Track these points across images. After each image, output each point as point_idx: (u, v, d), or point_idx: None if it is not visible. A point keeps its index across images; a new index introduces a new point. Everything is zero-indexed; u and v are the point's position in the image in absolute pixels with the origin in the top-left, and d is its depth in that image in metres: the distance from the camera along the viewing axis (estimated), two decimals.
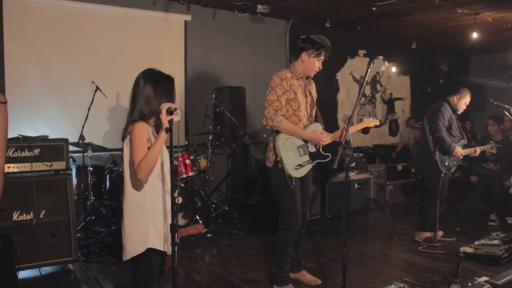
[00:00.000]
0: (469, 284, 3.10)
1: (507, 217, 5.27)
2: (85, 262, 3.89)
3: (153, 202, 2.13)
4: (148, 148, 2.05)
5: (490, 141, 5.07)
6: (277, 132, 3.12)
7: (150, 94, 2.10)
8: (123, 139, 2.15)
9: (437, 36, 7.74)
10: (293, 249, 3.31)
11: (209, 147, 5.17)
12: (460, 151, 4.28)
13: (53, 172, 3.60)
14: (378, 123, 3.45)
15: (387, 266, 3.89)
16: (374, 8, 5.72)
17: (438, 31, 7.34)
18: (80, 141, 4.30)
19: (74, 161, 4.47)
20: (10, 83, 4.59)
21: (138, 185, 2.11)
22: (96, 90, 4.51)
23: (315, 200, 5.36)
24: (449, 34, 7.53)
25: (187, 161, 4.68)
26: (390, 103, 8.71)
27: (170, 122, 2.01)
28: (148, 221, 2.10)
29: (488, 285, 2.46)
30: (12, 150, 3.38)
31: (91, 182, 4.42)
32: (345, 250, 2.67)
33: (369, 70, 2.72)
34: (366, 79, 2.78)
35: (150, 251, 2.10)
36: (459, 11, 5.95)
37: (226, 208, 5.34)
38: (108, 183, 4.44)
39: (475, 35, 6.70)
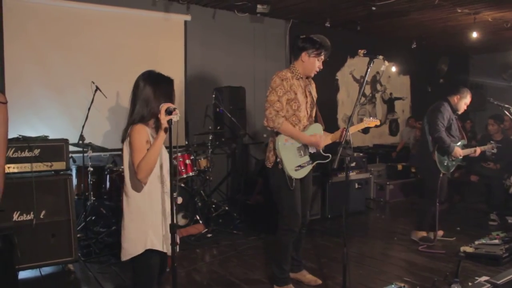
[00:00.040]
0: (470, 283, 3.10)
1: (507, 217, 5.27)
2: (85, 262, 3.89)
3: (153, 203, 2.15)
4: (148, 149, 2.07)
5: (491, 141, 5.06)
6: (277, 133, 3.10)
7: (149, 96, 2.11)
8: (122, 141, 2.17)
9: (437, 36, 7.74)
10: (293, 249, 3.30)
11: (209, 147, 5.16)
12: (459, 151, 4.27)
13: (53, 172, 3.60)
14: (378, 123, 3.45)
15: (387, 266, 3.88)
16: (374, 8, 5.73)
17: (438, 31, 7.33)
18: (80, 141, 4.30)
19: (74, 161, 4.47)
20: (10, 83, 4.59)
21: (138, 186, 2.13)
22: (96, 90, 4.52)
23: (315, 200, 5.36)
24: (449, 33, 7.53)
25: (187, 161, 4.68)
26: (390, 102, 8.71)
27: (169, 122, 2.02)
28: (147, 222, 2.12)
29: (489, 285, 2.46)
30: (12, 151, 3.38)
31: (91, 182, 4.42)
32: (345, 250, 2.67)
33: (369, 70, 2.72)
34: (366, 78, 2.77)
35: (150, 252, 2.11)
36: (459, 10, 5.95)
37: (226, 208, 5.34)
38: (108, 183, 4.44)
39: (475, 34, 6.70)
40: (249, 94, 6.04)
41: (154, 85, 2.13)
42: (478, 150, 4.50)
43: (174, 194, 2.10)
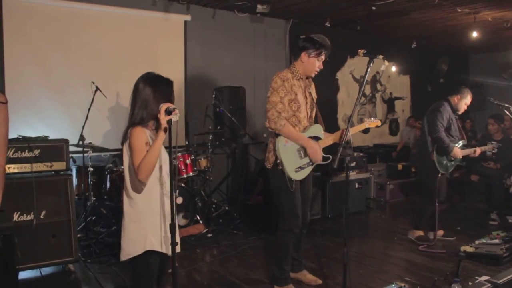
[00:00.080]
0: (470, 283, 3.10)
1: (508, 216, 5.27)
2: (85, 263, 3.89)
3: (152, 204, 2.17)
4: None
5: (492, 142, 5.06)
6: (277, 134, 3.08)
7: (149, 98, 2.13)
8: (122, 143, 2.19)
9: (437, 35, 7.74)
10: (293, 249, 3.29)
11: (209, 147, 5.17)
12: (458, 151, 4.26)
13: (53, 172, 3.60)
14: (379, 123, 3.43)
15: (387, 266, 3.88)
16: (374, 8, 5.73)
17: (438, 30, 7.33)
18: (80, 142, 4.30)
19: (74, 161, 4.47)
20: (10, 83, 4.59)
21: (138, 188, 2.15)
22: (96, 91, 4.51)
23: (316, 199, 5.35)
24: (449, 33, 7.53)
25: (188, 161, 4.68)
26: (390, 102, 8.71)
27: (169, 122, 2.04)
28: (147, 223, 2.14)
29: (489, 284, 2.46)
30: (12, 151, 3.37)
31: (92, 182, 4.42)
32: (345, 249, 2.67)
33: (369, 70, 2.71)
34: (366, 78, 2.77)
35: (149, 252, 2.13)
36: (459, 10, 5.95)
37: (227, 208, 5.34)
38: (108, 184, 4.44)
39: (475, 34, 6.69)
40: (249, 94, 6.04)
41: (153, 87, 2.15)
42: (478, 150, 4.50)
43: (175, 194, 2.10)
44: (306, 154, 3.14)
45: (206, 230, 4.68)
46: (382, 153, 7.76)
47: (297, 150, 3.12)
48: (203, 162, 4.96)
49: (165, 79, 2.22)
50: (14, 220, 3.35)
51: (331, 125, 6.80)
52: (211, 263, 3.94)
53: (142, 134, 2.10)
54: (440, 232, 4.61)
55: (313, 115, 3.30)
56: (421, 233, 4.53)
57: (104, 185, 4.49)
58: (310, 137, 3.17)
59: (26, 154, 3.44)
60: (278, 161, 3.07)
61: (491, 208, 5.46)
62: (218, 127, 5.57)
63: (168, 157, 2.21)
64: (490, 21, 6.47)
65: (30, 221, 3.40)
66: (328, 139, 3.22)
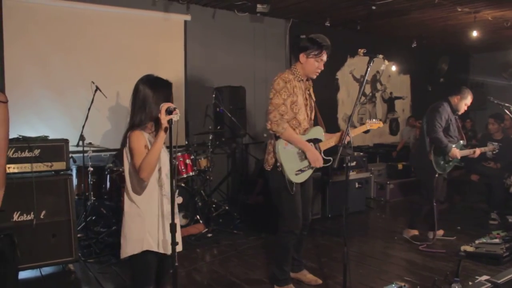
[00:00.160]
0: (470, 283, 3.09)
1: (508, 216, 5.27)
2: (85, 262, 3.89)
3: (151, 205, 2.21)
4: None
5: (493, 143, 5.06)
6: (277, 136, 3.05)
7: (148, 99, 2.16)
8: (122, 146, 2.24)
9: (437, 35, 7.73)
10: (294, 250, 3.29)
11: (209, 146, 5.16)
12: (456, 152, 4.26)
13: (53, 172, 3.59)
14: (381, 125, 3.42)
15: (388, 265, 3.88)
16: (374, 7, 5.73)
17: (438, 30, 7.33)
18: (80, 142, 4.30)
19: (74, 161, 4.47)
20: (11, 84, 4.59)
21: (137, 190, 2.20)
22: (96, 90, 4.52)
23: (316, 199, 5.35)
24: (449, 32, 7.53)
25: (188, 161, 4.68)
26: (390, 102, 8.71)
27: (170, 121, 2.06)
28: (145, 224, 2.18)
29: (489, 284, 2.45)
30: (12, 151, 3.37)
31: (92, 182, 4.42)
32: (345, 249, 2.67)
33: (369, 69, 2.71)
34: (366, 78, 2.76)
35: (147, 252, 2.17)
36: (459, 9, 5.94)
37: (227, 207, 5.34)
38: (108, 184, 4.44)
39: (475, 33, 6.69)
40: (249, 94, 6.04)
41: (152, 89, 2.18)
42: (478, 151, 4.49)
43: (176, 194, 2.12)
44: (306, 157, 3.12)
45: (206, 230, 4.68)
46: (382, 153, 7.76)
47: (297, 153, 3.09)
48: (203, 162, 4.96)
49: (164, 81, 2.25)
50: (14, 220, 3.35)
51: (331, 125, 6.79)
52: (211, 263, 3.94)
53: (140, 138, 2.14)
54: (440, 232, 4.61)
55: (312, 117, 3.28)
56: (416, 232, 4.53)
57: (104, 185, 4.49)
58: (311, 139, 3.15)
59: (26, 154, 3.44)
60: (278, 163, 3.04)
61: (491, 208, 5.45)
62: (218, 127, 5.57)
63: (168, 158, 2.24)
64: (490, 21, 6.47)
65: (30, 221, 3.40)
66: (330, 141, 3.19)
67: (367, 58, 2.69)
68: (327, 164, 3.17)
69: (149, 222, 2.18)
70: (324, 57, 3.12)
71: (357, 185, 5.88)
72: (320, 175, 5.42)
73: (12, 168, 3.37)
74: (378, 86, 8.47)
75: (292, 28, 6.82)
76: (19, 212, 3.38)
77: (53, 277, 3.66)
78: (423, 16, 6.49)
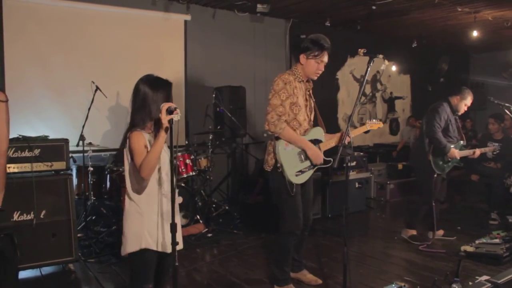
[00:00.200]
0: (470, 283, 3.09)
1: (508, 216, 5.27)
2: (85, 262, 3.89)
3: (151, 204, 2.23)
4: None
5: (493, 143, 5.05)
6: (277, 137, 3.04)
7: (148, 99, 2.17)
8: (122, 146, 2.26)
9: (437, 35, 7.73)
10: (294, 250, 3.28)
11: (210, 146, 5.16)
12: (455, 152, 4.25)
13: (53, 172, 3.60)
14: (381, 125, 3.41)
15: (388, 265, 3.88)
16: (374, 7, 5.73)
17: (438, 30, 7.33)
18: (80, 141, 4.30)
19: (74, 161, 4.47)
20: (11, 83, 4.59)
21: (137, 189, 2.22)
22: (96, 90, 4.51)
23: (316, 199, 5.35)
24: (449, 32, 7.53)
25: (188, 161, 4.67)
26: (390, 102, 8.70)
27: (170, 121, 2.07)
28: (144, 222, 2.20)
29: (489, 284, 2.45)
30: (13, 151, 3.37)
31: (92, 182, 4.42)
32: (345, 249, 2.67)
33: (369, 69, 2.71)
34: (366, 78, 2.76)
35: (145, 250, 2.19)
36: (459, 9, 5.94)
37: (227, 207, 5.34)
38: (108, 183, 4.44)
39: (475, 33, 6.69)
40: (249, 94, 6.04)
41: (152, 88, 2.19)
42: (478, 151, 4.48)
43: (176, 194, 2.13)
44: (306, 158, 3.11)
45: (206, 229, 4.68)
46: (382, 153, 7.76)
47: (297, 153, 3.08)
48: (203, 162, 4.96)
49: (164, 81, 2.26)
50: (14, 219, 3.35)
51: (331, 125, 6.79)
52: (211, 263, 3.94)
53: (140, 138, 2.15)
54: (440, 232, 4.60)
55: (312, 117, 3.27)
56: (414, 232, 4.53)
57: (104, 184, 4.49)
58: (311, 140, 3.14)
59: (26, 153, 3.44)
60: (278, 164, 3.03)
61: (491, 208, 5.45)
62: (218, 127, 5.57)
63: (168, 157, 2.26)
64: (490, 20, 6.47)
65: (30, 220, 3.40)
66: (330, 142, 3.19)
67: (367, 58, 2.69)
68: (328, 165, 3.16)
69: (148, 221, 2.20)
70: (325, 58, 3.10)
71: (357, 185, 5.88)
72: (320, 175, 5.42)
73: (12, 168, 3.37)
74: (378, 86, 8.46)
75: (292, 28, 6.82)
76: (19, 212, 3.38)
77: (53, 276, 3.67)
78: (423, 16, 6.49)
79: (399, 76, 8.78)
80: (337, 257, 3.99)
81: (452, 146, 4.27)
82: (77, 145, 4.30)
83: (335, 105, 7.74)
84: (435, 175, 4.28)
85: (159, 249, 2.20)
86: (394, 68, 8.38)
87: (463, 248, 3.94)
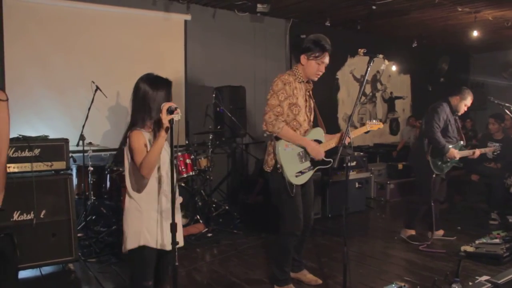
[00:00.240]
0: (470, 283, 3.09)
1: (508, 216, 5.27)
2: (85, 262, 3.89)
3: (150, 202, 2.24)
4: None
5: (494, 143, 5.05)
6: (277, 138, 3.03)
7: (148, 98, 2.18)
8: (122, 145, 2.27)
9: (437, 35, 7.73)
10: (295, 250, 3.28)
11: (210, 146, 5.16)
12: (454, 152, 4.24)
13: (53, 172, 3.59)
14: (381, 126, 3.41)
15: (387, 265, 3.88)
16: (374, 7, 5.73)
17: (439, 30, 7.33)
18: (80, 141, 4.30)
19: (74, 161, 4.47)
20: (11, 83, 4.59)
21: (137, 188, 2.24)
22: (96, 90, 4.51)
23: (316, 199, 5.34)
24: (449, 32, 7.53)
25: (188, 161, 4.67)
26: (390, 102, 8.70)
27: (171, 121, 2.07)
28: (143, 220, 2.22)
29: (489, 284, 2.45)
30: (13, 150, 3.37)
31: (92, 182, 4.42)
32: (345, 249, 2.67)
33: (369, 69, 2.71)
34: (366, 78, 2.76)
35: (143, 246, 2.21)
36: (460, 9, 5.94)
37: (227, 207, 5.34)
38: (108, 183, 4.44)
39: (475, 33, 6.69)
40: (249, 94, 6.04)
41: (152, 87, 2.19)
42: (478, 152, 4.47)
43: (176, 193, 2.14)
44: (306, 158, 3.11)
45: (206, 229, 4.68)
46: (382, 153, 7.76)
47: (297, 154, 3.08)
48: (203, 162, 4.95)
49: (164, 80, 2.26)
50: (14, 219, 3.35)
51: (331, 125, 6.79)
52: (211, 263, 3.94)
53: (140, 137, 2.16)
54: (440, 232, 4.60)
55: (312, 118, 3.26)
56: (413, 232, 4.52)
57: (104, 184, 4.48)
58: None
59: (26, 153, 3.44)
60: (278, 165, 3.03)
61: (491, 208, 5.45)
62: (218, 127, 5.57)
63: (168, 156, 2.26)
64: (490, 20, 6.47)
65: (30, 220, 3.40)
66: (330, 143, 3.18)
67: (367, 58, 2.68)
68: (328, 166, 3.16)
69: (147, 218, 2.21)
70: (326, 59, 3.09)
71: (357, 185, 5.88)
72: (320, 175, 5.42)
73: (12, 168, 3.37)
74: (378, 86, 8.46)
75: (292, 28, 6.82)
76: (19, 212, 3.37)
77: (53, 276, 3.66)
78: (423, 16, 6.49)
79: (399, 76, 8.78)
80: (337, 257, 3.99)
81: (451, 146, 4.27)
82: (77, 145, 4.30)
83: (335, 105, 7.74)
84: (434, 175, 4.27)
85: (158, 247, 2.22)
86: (394, 68, 8.38)
87: (463, 248, 3.94)
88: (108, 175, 4.43)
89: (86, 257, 3.98)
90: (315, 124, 3.28)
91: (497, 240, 4.06)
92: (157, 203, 2.24)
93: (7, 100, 2.16)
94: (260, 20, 6.47)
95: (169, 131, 2.10)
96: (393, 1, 5.56)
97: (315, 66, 3.07)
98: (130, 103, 2.25)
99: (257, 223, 4.96)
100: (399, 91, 8.82)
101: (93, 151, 4.51)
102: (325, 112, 3.41)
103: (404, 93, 8.91)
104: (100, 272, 3.66)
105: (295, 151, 3.07)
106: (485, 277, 2.91)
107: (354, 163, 5.92)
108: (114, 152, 4.89)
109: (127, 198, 2.27)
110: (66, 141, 3.67)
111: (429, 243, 4.34)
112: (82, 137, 4.30)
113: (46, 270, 3.73)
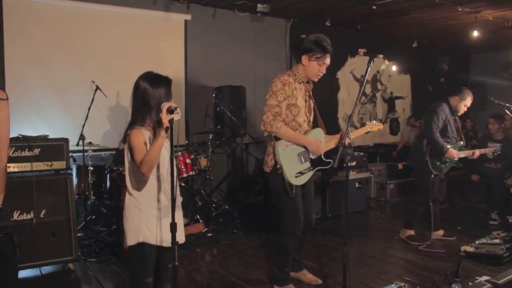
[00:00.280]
0: (470, 283, 3.09)
1: (508, 216, 5.26)
2: (85, 262, 3.89)
3: (149, 200, 2.26)
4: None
5: (494, 144, 5.05)
6: (277, 138, 3.03)
7: (148, 96, 2.18)
8: (123, 141, 2.28)
9: (437, 35, 7.73)
10: (295, 250, 3.27)
11: (210, 146, 5.16)
12: (453, 153, 4.24)
13: (53, 171, 3.59)
14: (381, 127, 3.41)
15: (387, 265, 3.88)
16: (374, 7, 5.73)
17: (439, 30, 7.32)
18: (80, 141, 4.30)
19: (74, 160, 4.47)
20: (11, 83, 4.59)
21: (137, 186, 2.25)
22: (96, 90, 4.51)
23: (316, 199, 5.34)
24: (449, 32, 7.52)
25: (188, 161, 4.67)
26: (390, 102, 8.70)
27: (171, 121, 2.07)
28: (142, 217, 2.24)
29: (489, 285, 2.45)
30: (13, 150, 3.37)
31: (92, 181, 4.42)
32: (345, 249, 2.67)
33: (369, 69, 2.70)
34: (367, 78, 2.76)
35: (143, 243, 2.23)
36: (460, 9, 5.94)
37: (227, 207, 5.34)
38: (108, 183, 4.44)
39: (475, 33, 6.68)
40: (249, 94, 6.04)
41: (152, 85, 2.20)
42: (477, 152, 4.47)
43: (176, 193, 2.15)
44: (306, 159, 3.10)
45: (206, 229, 4.68)
46: (382, 153, 7.76)
47: (297, 155, 3.07)
48: (203, 162, 4.95)
49: (163, 78, 2.26)
50: (14, 219, 3.35)
51: (331, 125, 6.79)
52: (211, 263, 3.94)
53: (140, 135, 2.16)
54: (440, 232, 4.60)
55: (312, 119, 3.25)
56: (412, 232, 4.52)
57: (104, 184, 4.48)
58: None
59: (26, 153, 3.44)
60: (278, 165, 3.02)
61: (491, 208, 5.45)
62: (218, 127, 5.57)
63: (168, 154, 2.27)
64: (491, 20, 6.47)
65: (30, 220, 3.40)
66: (330, 143, 3.17)
67: (367, 58, 2.68)
68: (328, 166, 3.15)
69: (147, 215, 2.23)
70: (327, 60, 3.08)
71: (357, 185, 5.88)
72: (320, 175, 5.42)
73: (12, 167, 3.36)
74: (379, 86, 8.46)
75: (292, 28, 6.82)
76: (19, 211, 3.38)
77: (53, 276, 3.66)
78: (423, 16, 6.49)
79: (399, 76, 8.78)
80: (337, 257, 3.99)
81: (450, 146, 4.26)
82: (77, 144, 4.30)
83: (335, 105, 7.74)
84: (432, 176, 4.27)
85: (157, 244, 2.23)
86: (394, 68, 8.37)
87: (463, 248, 3.93)
88: (108, 175, 4.43)
89: (86, 256, 3.98)
90: (315, 125, 3.27)
91: (497, 240, 4.06)
92: (156, 201, 2.25)
93: (7, 99, 2.16)
94: (260, 20, 6.47)
95: (169, 131, 2.10)
96: (393, 1, 5.56)
97: (316, 67, 3.06)
98: (130, 102, 2.25)
99: (257, 223, 4.96)
100: (399, 91, 8.81)
101: (93, 150, 4.51)
102: (325, 112, 3.41)
103: (404, 93, 8.91)
104: (100, 272, 3.66)
105: (295, 151, 3.06)
106: (485, 277, 2.91)
107: (354, 163, 5.91)
108: (114, 152, 4.89)
109: (127, 195, 2.28)
110: (66, 140, 3.67)
111: (429, 243, 4.34)
112: (82, 137, 4.30)
113: (46, 269, 3.73)
